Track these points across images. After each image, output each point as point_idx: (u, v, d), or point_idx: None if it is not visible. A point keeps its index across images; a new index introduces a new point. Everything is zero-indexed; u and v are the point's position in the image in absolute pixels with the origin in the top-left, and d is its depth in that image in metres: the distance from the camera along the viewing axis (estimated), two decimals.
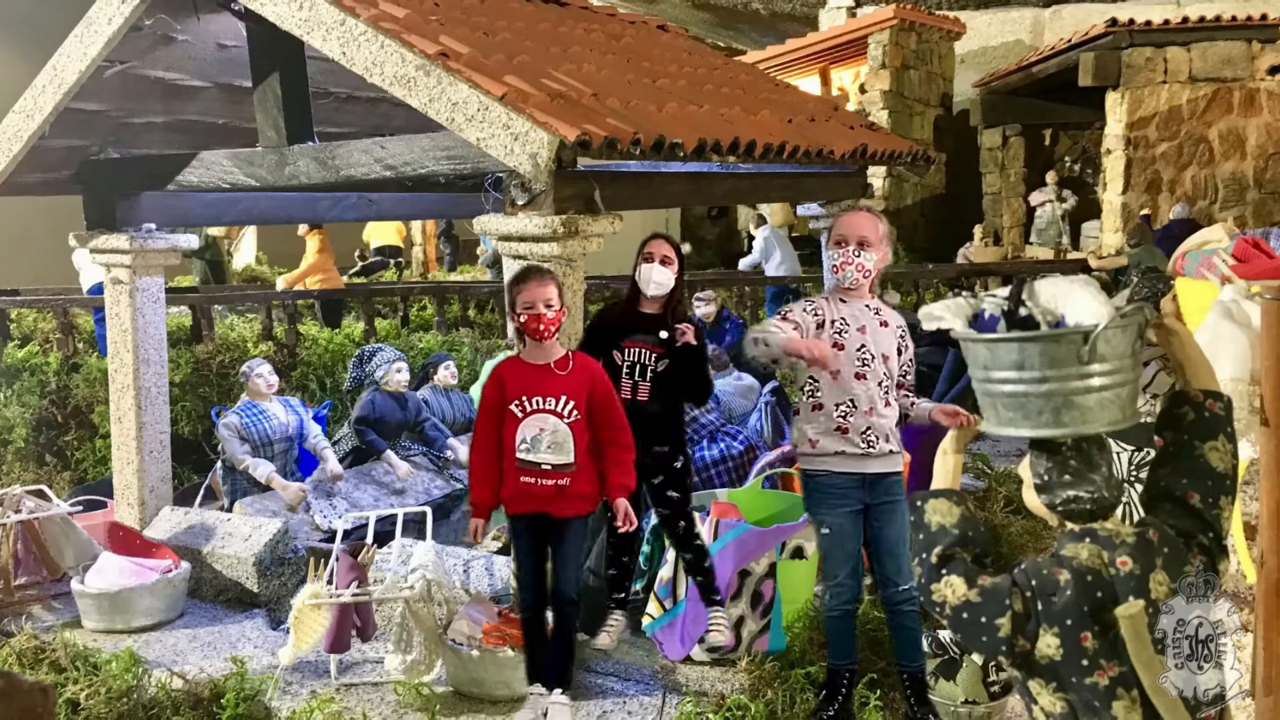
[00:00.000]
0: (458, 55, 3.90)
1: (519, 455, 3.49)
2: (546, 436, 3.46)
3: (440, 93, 3.82)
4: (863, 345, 3.49)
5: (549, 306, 3.45)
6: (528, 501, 3.53)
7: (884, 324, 3.56)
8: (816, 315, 3.51)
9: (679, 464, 3.91)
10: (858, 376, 3.47)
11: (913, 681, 3.52)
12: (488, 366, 7.38)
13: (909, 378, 3.64)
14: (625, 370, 3.85)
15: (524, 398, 3.49)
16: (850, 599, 3.56)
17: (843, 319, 3.51)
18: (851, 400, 3.46)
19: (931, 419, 3.45)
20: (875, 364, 3.48)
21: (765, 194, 7.09)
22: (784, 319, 3.46)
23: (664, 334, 3.82)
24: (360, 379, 6.18)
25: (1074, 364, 2.03)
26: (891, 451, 3.52)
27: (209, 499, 5.92)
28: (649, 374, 3.83)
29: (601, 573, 4.18)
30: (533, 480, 3.49)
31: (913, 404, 3.61)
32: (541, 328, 3.46)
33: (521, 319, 3.48)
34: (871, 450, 3.46)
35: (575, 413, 3.48)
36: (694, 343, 3.79)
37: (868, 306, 3.57)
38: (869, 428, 3.45)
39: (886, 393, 3.51)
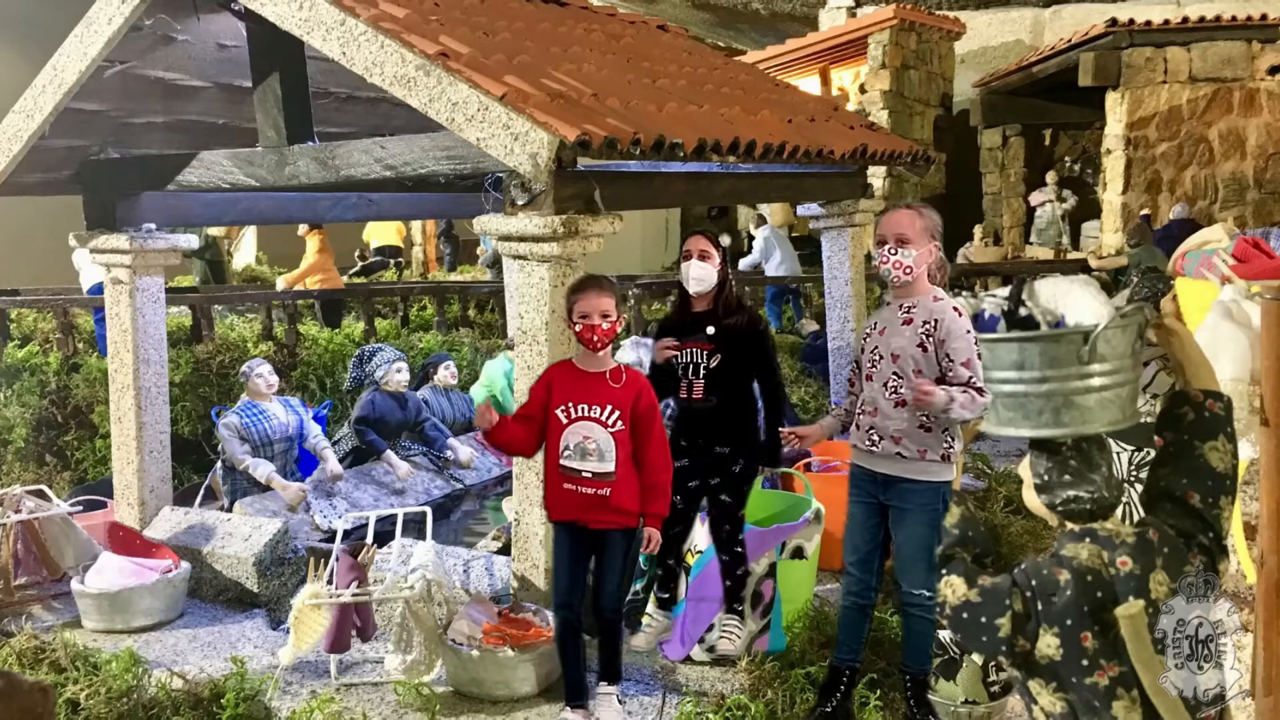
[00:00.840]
0: (458, 55, 3.90)
1: (561, 461, 3.49)
2: (589, 444, 3.46)
3: (440, 93, 3.82)
4: (876, 347, 3.48)
5: (605, 317, 3.44)
6: (568, 509, 3.52)
7: (907, 322, 3.39)
8: (866, 329, 3.59)
9: (738, 468, 3.90)
10: (867, 377, 3.49)
11: (914, 683, 3.52)
12: (488, 366, 7.40)
13: (952, 375, 3.27)
14: (680, 371, 3.87)
15: (570, 404, 3.48)
16: (856, 592, 3.55)
17: (874, 322, 3.54)
18: (862, 400, 3.49)
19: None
20: (882, 364, 3.43)
21: (765, 194, 7.09)
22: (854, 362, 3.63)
23: (710, 329, 3.83)
24: (360, 379, 6.18)
25: (1074, 364, 2.03)
26: (901, 454, 3.38)
27: (209, 499, 5.92)
28: (701, 371, 3.84)
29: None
30: (574, 488, 3.48)
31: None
32: (595, 338, 3.45)
33: (577, 327, 3.47)
34: (875, 449, 3.44)
35: (620, 423, 3.48)
36: (664, 360, 3.82)
37: (902, 304, 3.44)
38: (872, 427, 3.44)
39: (895, 393, 3.37)
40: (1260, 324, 2.50)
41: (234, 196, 5.43)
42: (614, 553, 3.54)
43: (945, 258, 3.54)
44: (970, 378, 3.23)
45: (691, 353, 3.86)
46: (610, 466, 3.46)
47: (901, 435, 3.38)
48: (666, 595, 4.06)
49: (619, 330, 3.53)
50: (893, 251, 3.38)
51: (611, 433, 3.47)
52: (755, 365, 3.91)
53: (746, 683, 3.72)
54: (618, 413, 3.48)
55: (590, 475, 3.46)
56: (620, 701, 3.62)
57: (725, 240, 4.09)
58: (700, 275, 3.84)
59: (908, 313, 3.42)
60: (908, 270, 3.38)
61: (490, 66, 3.93)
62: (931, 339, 3.34)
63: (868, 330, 3.56)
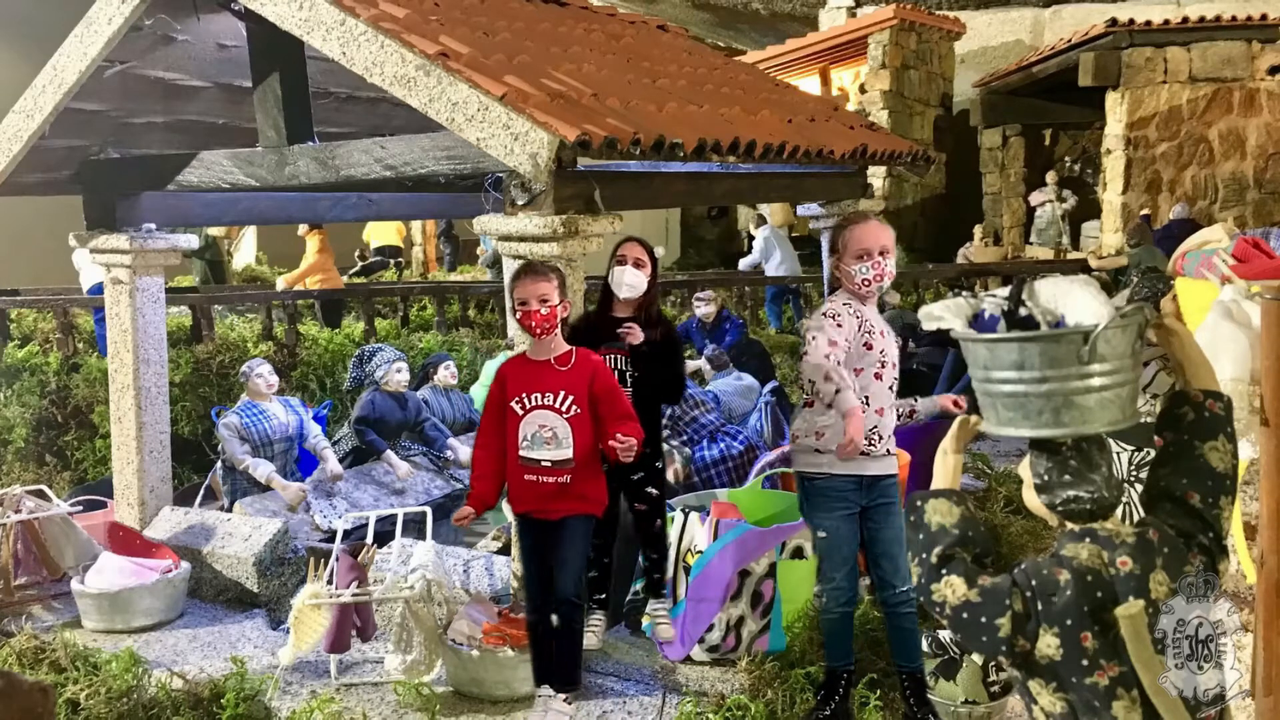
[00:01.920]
0: (458, 55, 3.90)
1: (520, 453, 3.50)
2: (545, 433, 3.46)
3: (440, 93, 3.82)
4: (884, 349, 3.54)
5: (544, 302, 3.44)
6: (529, 500, 3.53)
7: (886, 330, 3.65)
8: (857, 317, 3.49)
9: (659, 463, 3.97)
10: (876, 377, 3.50)
11: (912, 682, 3.52)
12: (488, 366, 7.40)
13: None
14: None
15: (524, 394, 3.50)
16: (846, 601, 3.56)
17: (870, 321, 3.55)
18: (867, 399, 3.47)
19: (941, 408, 3.65)
20: (890, 368, 3.54)
21: (765, 194, 7.09)
22: (826, 337, 3.35)
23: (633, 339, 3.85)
24: (360, 379, 6.18)
25: (1074, 364, 2.03)
26: (888, 453, 3.54)
27: (209, 499, 5.92)
28: (626, 380, 3.85)
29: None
30: (534, 478, 3.50)
31: (915, 400, 3.70)
32: (534, 324, 3.46)
33: (517, 315, 3.50)
34: (873, 450, 3.47)
35: (575, 408, 3.47)
36: (638, 342, 3.80)
37: (878, 310, 3.65)
38: (875, 426, 3.47)
39: (893, 394, 3.57)
40: (1260, 324, 2.50)
41: (234, 196, 5.43)
42: (573, 539, 3.52)
43: None
44: None
45: (614, 359, 3.86)
46: (568, 453, 3.46)
47: (889, 434, 3.57)
48: (604, 595, 4.05)
49: (561, 315, 3.52)
50: (884, 262, 3.51)
51: (568, 419, 3.46)
52: (670, 376, 3.94)
53: (746, 683, 3.72)
54: (572, 398, 3.47)
55: (550, 464, 3.47)
56: (568, 703, 3.57)
57: (659, 251, 4.11)
58: (634, 282, 3.86)
59: (883, 319, 3.66)
60: (889, 279, 3.56)
61: (490, 66, 3.93)
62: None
63: (868, 327, 3.50)
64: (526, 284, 3.47)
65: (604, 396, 3.52)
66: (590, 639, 3.93)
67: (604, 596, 4.07)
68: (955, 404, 3.68)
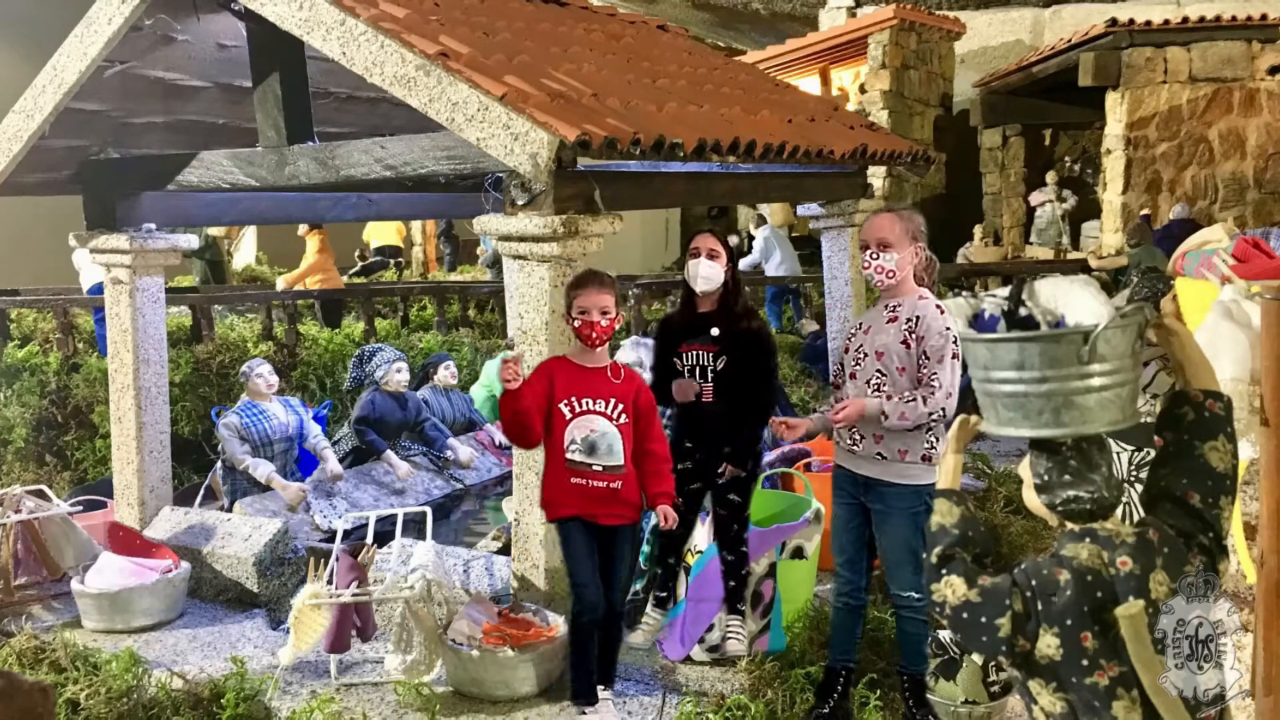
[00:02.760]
0: (458, 55, 3.90)
1: (569, 456, 3.46)
2: (597, 438, 3.45)
3: (440, 93, 3.82)
4: (860, 345, 3.48)
5: (604, 314, 3.44)
6: (578, 503, 3.48)
7: (892, 320, 3.42)
8: (859, 318, 3.64)
9: (744, 470, 3.90)
10: (851, 376, 3.49)
11: (911, 683, 3.53)
12: (488, 366, 7.40)
13: (923, 370, 3.33)
14: (687, 373, 3.83)
15: (574, 398, 3.46)
16: (846, 593, 3.57)
17: (859, 323, 3.55)
18: (845, 399, 3.47)
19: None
20: (866, 362, 3.43)
21: (765, 194, 7.08)
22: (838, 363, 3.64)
23: (715, 331, 3.79)
24: (360, 379, 6.18)
25: (1074, 364, 2.03)
26: (881, 455, 3.39)
27: (209, 499, 5.92)
28: (709, 374, 3.80)
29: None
30: (584, 482, 3.46)
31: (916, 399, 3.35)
32: (595, 335, 3.44)
33: (576, 323, 3.46)
34: (856, 449, 3.44)
35: (624, 416, 3.49)
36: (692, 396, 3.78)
37: (887, 305, 3.47)
38: (854, 426, 3.43)
39: (877, 391, 3.38)
40: (1260, 324, 2.50)
41: (234, 196, 5.43)
42: (623, 548, 3.55)
43: (934, 257, 3.57)
44: (934, 375, 3.29)
45: (698, 355, 3.83)
46: (620, 460, 3.47)
47: (883, 434, 3.39)
48: (665, 594, 4.05)
49: (617, 328, 3.52)
50: (874, 256, 3.43)
51: (618, 426, 3.47)
52: (758, 370, 3.86)
53: (746, 683, 3.72)
54: (621, 406, 3.48)
55: (601, 469, 3.45)
56: (616, 704, 3.61)
57: (733, 240, 4.04)
58: (709, 274, 3.80)
59: (893, 311, 3.45)
60: (890, 274, 3.44)
61: (490, 66, 3.93)
62: (913, 334, 3.37)
63: (852, 330, 3.57)
64: (591, 294, 3.44)
65: (645, 413, 3.55)
66: (639, 636, 3.97)
67: (665, 595, 4.06)
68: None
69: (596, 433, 3.45)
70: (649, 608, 4.09)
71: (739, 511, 3.91)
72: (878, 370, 3.40)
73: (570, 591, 3.59)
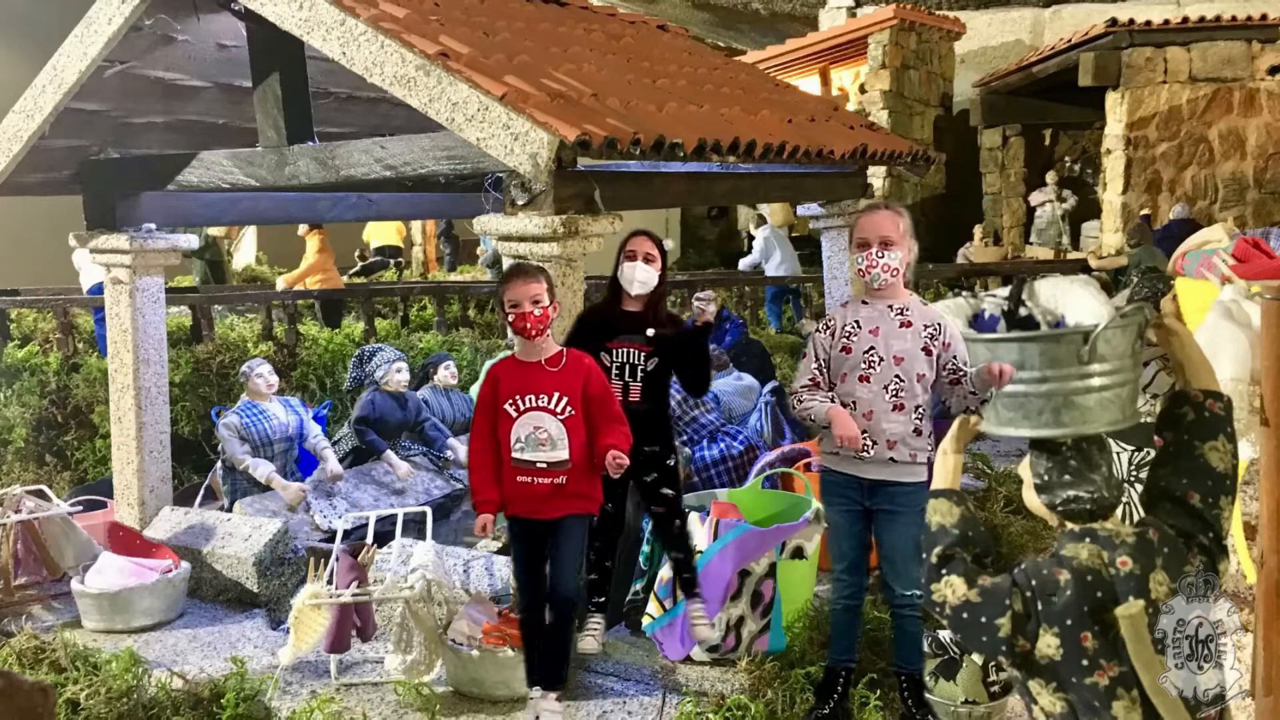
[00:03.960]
0: (458, 55, 3.90)
1: (514, 455, 3.46)
2: (540, 434, 3.43)
3: (440, 93, 3.82)
4: (871, 348, 3.39)
5: (535, 303, 3.42)
6: (524, 502, 3.50)
7: (906, 324, 3.39)
8: (829, 328, 3.49)
9: (671, 461, 3.88)
10: (861, 379, 3.39)
11: (910, 682, 3.52)
12: (488, 366, 7.40)
13: (960, 374, 3.32)
14: (615, 371, 3.78)
15: (517, 396, 3.47)
16: (846, 595, 3.56)
17: (855, 322, 3.44)
18: (852, 403, 3.40)
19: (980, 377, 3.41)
20: (882, 367, 3.36)
21: (765, 194, 7.09)
22: (808, 358, 3.49)
23: (651, 332, 3.79)
24: (360, 379, 6.18)
25: (1074, 364, 2.03)
26: (893, 459, 3.37)
27: (209, 499, 5.92)
28: (639, 374, 3.78)
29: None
30: (529, 479, 3.46)
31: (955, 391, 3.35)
32: (528, 326, 3.43)
33: (510, 318, 3.47)
34: (865, 454, 3.38)
35: (569, 409, 3.45)
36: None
37: (891, 306, 3.43)
38: (864, 431, 3.36)
39: (895, 396, 3.36)
40: (1260, 324, 2.50)
41: (234, 196, 5.43)
42: (570, 537, 3.51)
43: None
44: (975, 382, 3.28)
45: (628, 352, 3.77)
46: (564, 454, 3.44)
47: (897, 440, 3.37)
48: (603, 598, 4.00)
49: (553, 315, 3.49)
50: (879, 254, 3.38)
51: (562, 420, 3.44)
52: (696, 364, 3.83)
53: (746, 683, 3.72)
54: (566, 399, 3.45)
55: (545, 465, 3.44)
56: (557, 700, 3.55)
57: (668, 244, 4.01)
58: (645, 279, 3.76)
59: (903, 315, 3.41)
60: (894, 273, 3.40)
61: (490, 66, 3.93)
62: (936, 342, 3.38)
63: (849, 329, 3.44)
64: (518, 285, 3.44)
65: (597, 398, 3.49)
66: (589, 642, 3.91)
67: (603, 600, 4.04)
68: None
69: (539, 429, 3.43)
70: (591, 614, 4.02)
71: (675, 505, 3.87)
72: (897, 376, 3.36)
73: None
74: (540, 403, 3.45)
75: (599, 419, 3.48)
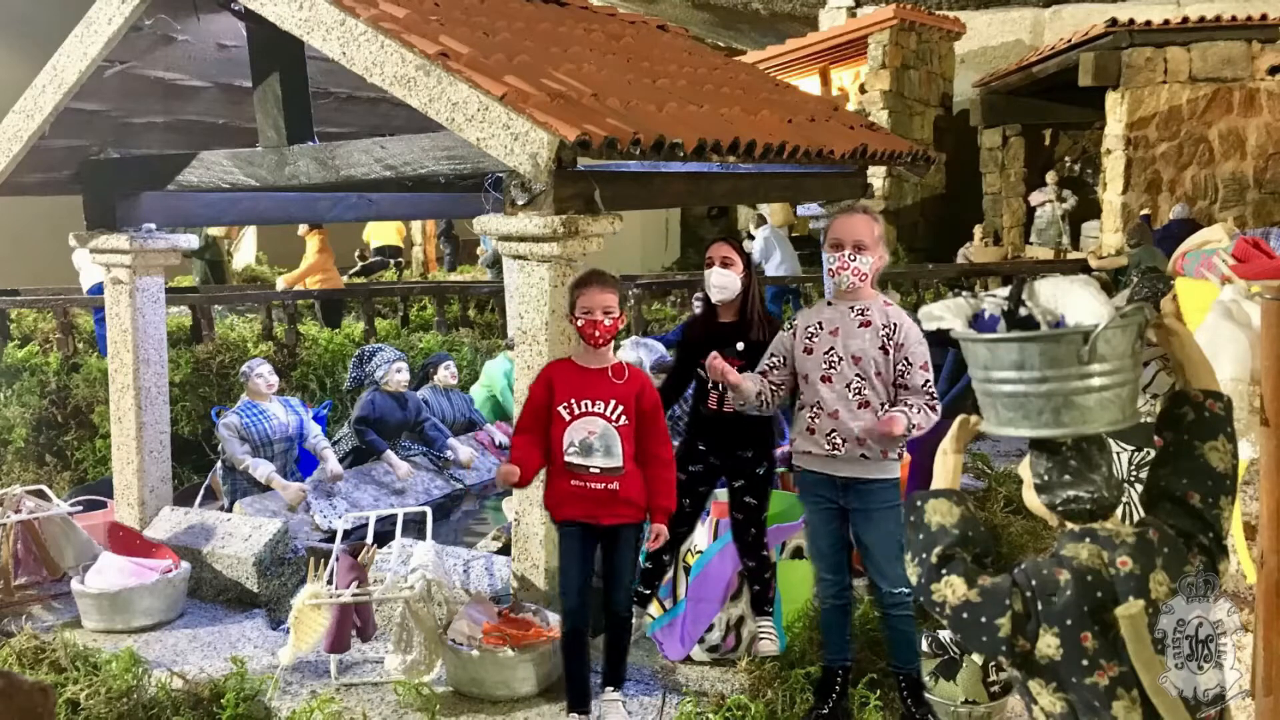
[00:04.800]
0: (458, 55, 3.90)
1: (567, 459, 3.44)
2: (595, 440, 3.42)
3: (440, 93, 3.82)
4: (830, 349, 3.41)
5: (607, 313, 3.41)
6: (577, 505, 3.47)
7: (865, 324, 3.42)
8: (793, 328, 3.54)
9: (761, 470, 3.89)
10: (824, 379, 3.41)
11: (908, 682, 3.52)
12: (488, 366, 7.41)
13: (909, 377, 3.39)
14: (710, 385, 3.82)
15: (572, 400, 3.45)
16: (832, 594, 3.56)
17: (818, 323, 3.46)
18: (817, 403, 3.42)
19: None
20: (842, 366, 3.39)
21: (765, 194, 7.09)
22: (770, 354, 3.56)
23: (741, 346, 3.76)
24: (360, 379, 6.18)
25: (1074, 364, 2.03)
26: (864, 456, 3.38)
27: (209, 499, 5.92)
28: None
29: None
30: (582, 484, 3.44)
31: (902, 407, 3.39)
32: (598, 334, 3.42)
33: (579, 323, 3.44)
34: (837, 453, 3.40)
35: (624, 418, 3.45)
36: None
37: (852, 307, 3.45)
38: (833, 430, 3.39)
39: (858, 394, 3.37)
40: (1260, 324, 2.50)
41: (234, 196, 5.43)
42: (626, 548, 3.53)
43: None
44: (925, 382, 3.38)
45: None
46: (618, 461, 3.44)
47: (866, 436, 3.38)
48: (648, 591, 4.05)
49: (620, 327, 3.52)
50: (851, 258, 3.41)
51: (617, 427, 3.44)
52: None
53: (746, 683, 3.72)
54: (622, 407, 3.46)
55: (598, 470, 3.43)
56: (624, 705, 3.60)
57: (749, 247, 4.00)
58: (722, 283, 3.80)
59: (862, 315, 3.45)
60: (863, 277, 3.44)
61: (490, 66, 3.93)
62: (891, 342, 3.42)
63: (811, 330, 3.46)
64: (594, 293, 3.42)
65: (648, 414, 3.52)
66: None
67: (649, 593, 4.05)
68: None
69: (594, 434, 3.42)
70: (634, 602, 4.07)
71: (756, 514, 3.90)
72: (857, 375, 3.40)
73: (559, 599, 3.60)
74: (596, 409, 3.44)
75: (646, 436, 3.51)
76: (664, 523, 3.53)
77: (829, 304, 3.54)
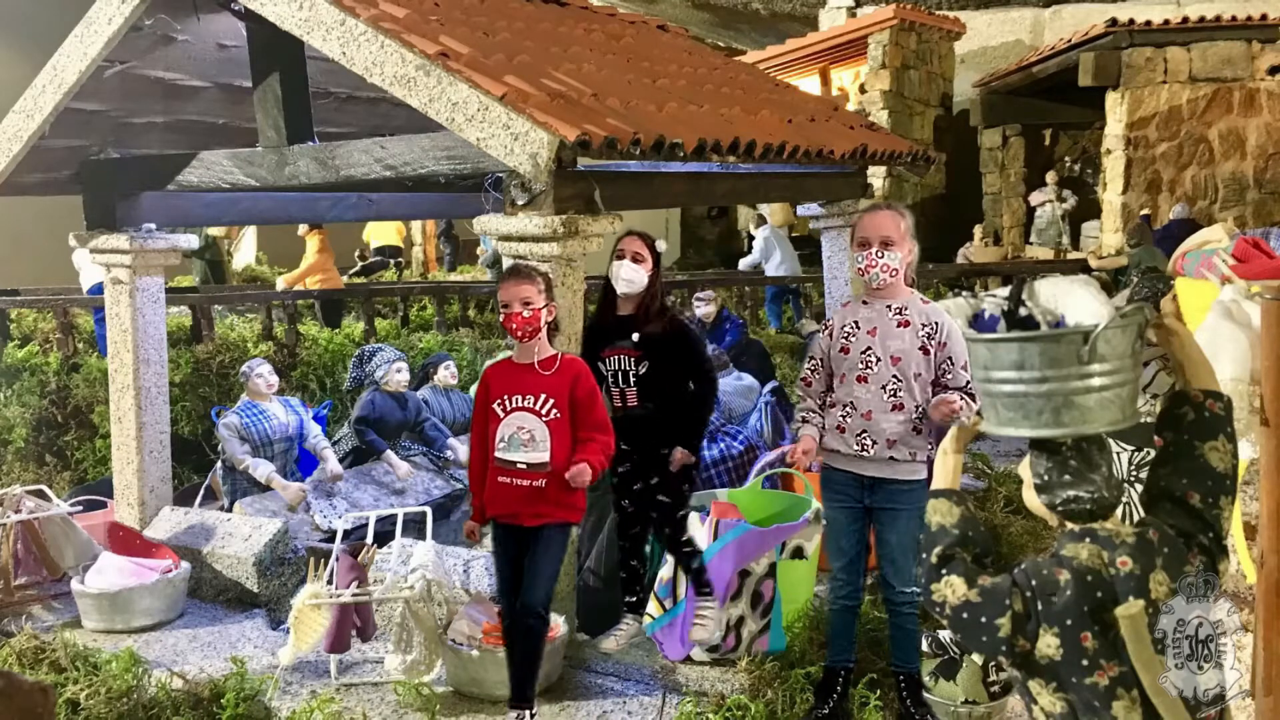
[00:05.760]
0: (458, 55, 3.90)
1: (496, 454, 3.46)
2: (523, 434, 3.42)
3: (440, 93, 3.82)
4: (868, 348, 3.40)
5: (525, 304, 3.42)
6: (503, 503, 3.48)
7: (904, 324, 3.40)
8: (828, 328, 3.54)
9: (668, 466, 3.88)
10: (859, 379, 3.40)
11: (908, 682, 3.52)
12: (488, 366, 7.40)
13: (949, 377, 3.37)
14: (610, 379, 3.83)
15: (505, 397, 3.48)
16: (845, 595, 3.55)
17: (854, 322, 3.45)
18: (851, 403, 3.41)
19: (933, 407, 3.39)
20: (880, 367, 3.37)
21: (765, 194, 7.09)
22: (810, 357, 3.55)
23: (636, 336, 3.79)
24: (360, 379, 6.18)
25: (1074, 364, 2.03)
26: (894, 458, 3.38)
27: (209, 499, 5.92)
28: (631, 379, 3.81)
29: (601, 572, 4.16)
30: (508, 480, 3.44)
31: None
32: (515, 327, 3.44)
33: (500, 318, 3.49)
34: (865, 454, 3.40)
35: (555, 412, 3.43)
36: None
37: (889, 306, 3.43)
38: (864, 431, 3.39)
39: (894, 396, 3.37)
40: (1260, 324, 2.50)
41: (234, 196, 5.43)
42: (547, 548, 3.47)
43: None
44: (967, 382, 3.31)
45: (619, 360, 3.83)
46: (544, 456, 3.41)
47: (897, 439, 3.37)
48: (635, 599, 4.03)
49: (545, 318, 3.48)
50: (879, 255, 3.38)
51: (546, 421, 3.42)
52: (687, 370, 3.88)
53: (746, 683, 3.72)
54: (552, 401, 3.43)
55: (525, 466, 3.42)
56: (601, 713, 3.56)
57: (660, 246, 4.01)
58: (631, 277, 3.81)
59: (900, 314, 3.42)
60: (893, 273, 3.40)
61: (490, 66, 3.93)
62: (933, 341, 3.38)
63: (847, 329, 3.45)
64: (509, 286, 3.46)
65: (582, 402, 3.48)
66: (610, 643, 3.95)
67: (635, 600, 4.04)
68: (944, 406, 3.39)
69: (524, 429, 3.42)
70: (624, 614, 4.07)
71: (670, 512, 3.90)
72: (894, 376, 3.37)
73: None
74: (526, 403, 3.44)
75: (581, 424, 3.47)
76: (583, 463, 3.39)
77: (864, 303, 3.51)
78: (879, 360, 3.39)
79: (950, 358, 3.38)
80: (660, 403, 3.81)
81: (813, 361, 3.54)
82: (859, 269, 3.47)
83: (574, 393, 3.46)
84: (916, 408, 3.37)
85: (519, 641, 3.49)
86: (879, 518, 3.47)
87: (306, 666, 4.08)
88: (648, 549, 4.26)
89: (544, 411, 3.43)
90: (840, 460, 3.48)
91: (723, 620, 3.96)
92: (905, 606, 3.48)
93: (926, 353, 3.38)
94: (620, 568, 4.02)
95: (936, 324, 3.39)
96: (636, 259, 3.83)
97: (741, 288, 11.17)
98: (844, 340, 3.45)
